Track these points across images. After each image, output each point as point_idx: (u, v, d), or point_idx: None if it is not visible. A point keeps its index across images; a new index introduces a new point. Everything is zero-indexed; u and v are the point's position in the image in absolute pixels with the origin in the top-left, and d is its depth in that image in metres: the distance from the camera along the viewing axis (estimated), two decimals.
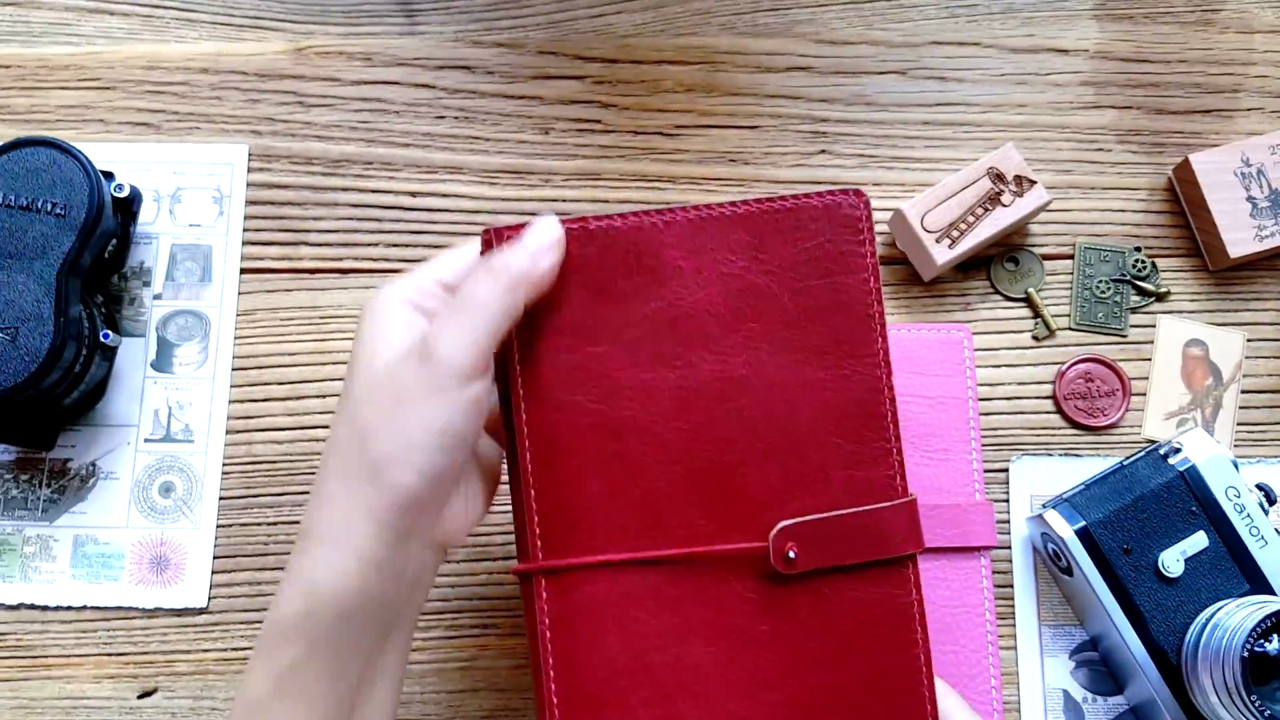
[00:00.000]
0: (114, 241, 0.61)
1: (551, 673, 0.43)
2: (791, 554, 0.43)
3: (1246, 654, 0.51)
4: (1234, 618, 0.53)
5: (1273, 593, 0.55)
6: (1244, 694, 0.51)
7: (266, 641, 0.43)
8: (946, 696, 0.46)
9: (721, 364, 0.44)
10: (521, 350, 0.44)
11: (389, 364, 0.42)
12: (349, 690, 0.43)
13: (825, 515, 0.44)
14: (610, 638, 0.43)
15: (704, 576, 0.44)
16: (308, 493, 0.61)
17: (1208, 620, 0.54)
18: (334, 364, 0.63)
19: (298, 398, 0.62)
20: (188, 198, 0.64)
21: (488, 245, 0.44)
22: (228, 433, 0.62)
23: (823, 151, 0.66)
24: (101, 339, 0.59)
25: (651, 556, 0.43)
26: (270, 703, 0.42)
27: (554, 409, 0.43)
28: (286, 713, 0.42)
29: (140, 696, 0.59)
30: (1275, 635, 0.52)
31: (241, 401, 0.62)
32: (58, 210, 0.57)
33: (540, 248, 0.42)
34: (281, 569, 0.60)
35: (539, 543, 0.43)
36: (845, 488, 0.44)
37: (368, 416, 0.42)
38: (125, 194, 0.61)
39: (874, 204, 0.64)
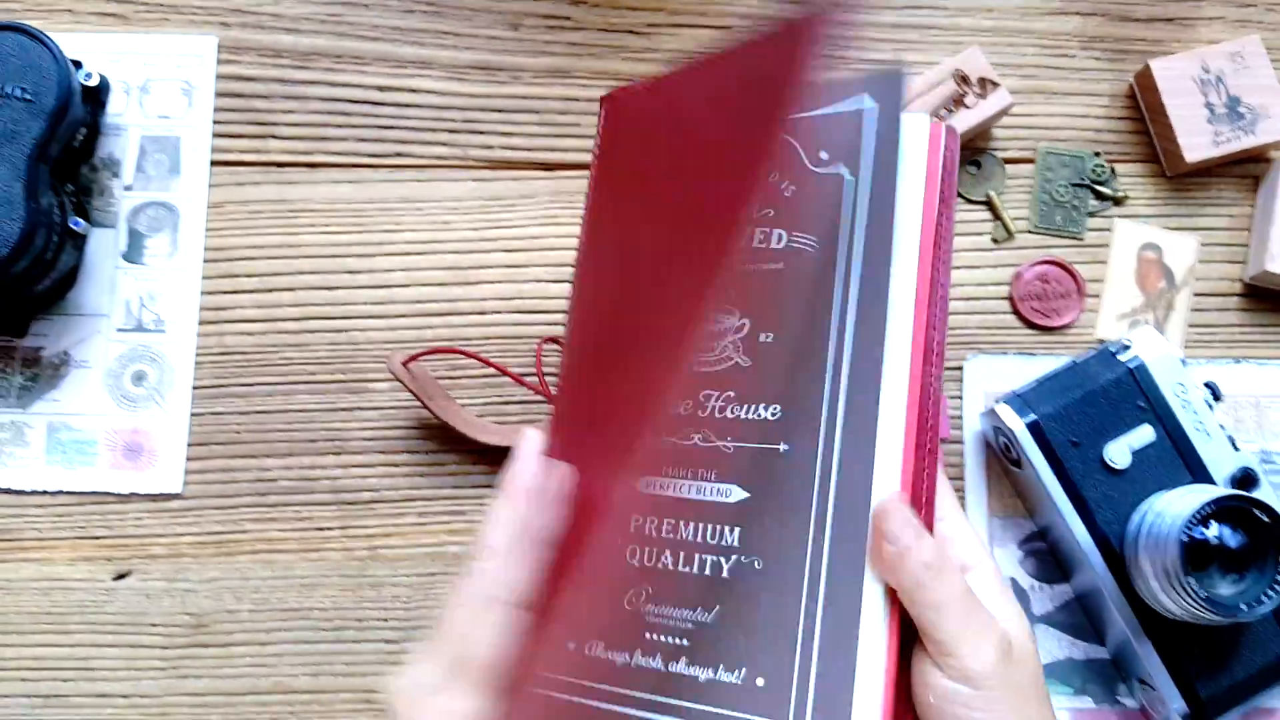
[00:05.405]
0: (83, 131, 0.61)
1: None
2: None
3: (1185, 539, 0.53)
4: (1174, 506, 0.54)
5: (1214, 484, 0.57)
6: (1182, 578, 0.53)
7: None
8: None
9: None
10: None
11: None
12: None
13: None
14: None
15: None
16: (278, 384, 0.63)
17: (1149, 509, 0.56)
18: (303, 257, 0.63)
19: (268, 290, 0.63)
20: (156, 89, 0.64)
21: None
22: (199, 324, 0.63)
23: None
24: (72, 226, 0.59)
25: None
26: None
27: None
28: None
29: (115, 578, 0.61)
30: (1213, 522, 0.54)
31: (212, 293, 0.63)
32: (26, 96, 0.57)
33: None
34: (253, 457, 0.62)
35: None
36: None
37: None
38: (94, 82, 0.61)
39: None
